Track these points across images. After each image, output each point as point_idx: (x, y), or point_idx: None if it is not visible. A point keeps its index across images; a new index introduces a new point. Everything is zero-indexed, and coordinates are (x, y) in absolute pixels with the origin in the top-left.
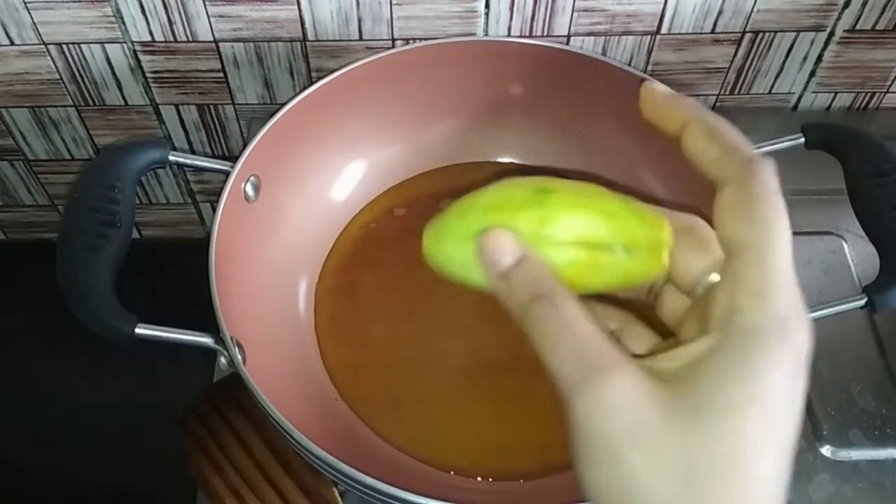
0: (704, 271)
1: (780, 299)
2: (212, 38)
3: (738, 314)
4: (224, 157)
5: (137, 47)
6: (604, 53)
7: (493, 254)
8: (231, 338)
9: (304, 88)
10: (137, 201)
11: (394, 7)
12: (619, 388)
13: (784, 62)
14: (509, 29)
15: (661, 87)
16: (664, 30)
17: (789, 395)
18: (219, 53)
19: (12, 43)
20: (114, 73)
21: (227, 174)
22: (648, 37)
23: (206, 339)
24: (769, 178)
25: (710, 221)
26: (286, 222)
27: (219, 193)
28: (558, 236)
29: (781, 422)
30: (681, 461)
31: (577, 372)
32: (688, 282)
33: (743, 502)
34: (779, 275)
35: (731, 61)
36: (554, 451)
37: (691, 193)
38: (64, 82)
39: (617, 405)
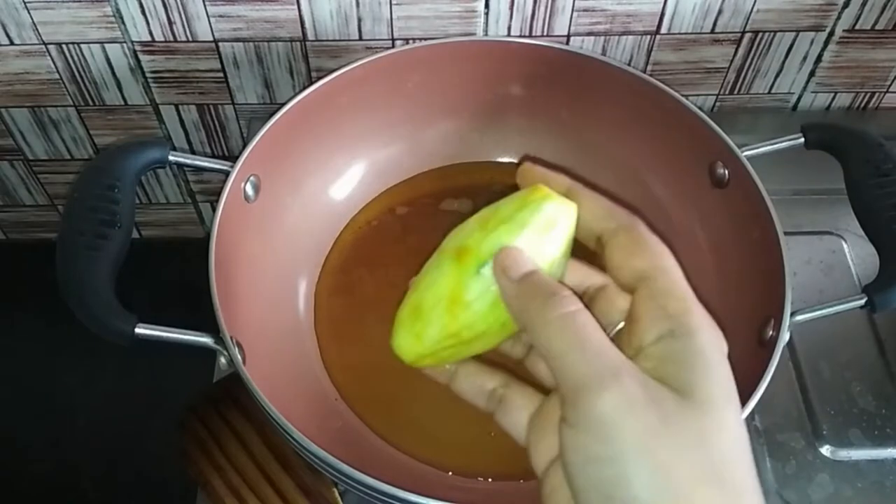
0: (638, 271)
1: (697, 303)
2: (212, 38)
3: (675, 321)
4: (224, 157)
5: (137, 47)
6: (604, 53)
7: (511, 265)
8: (231, 338)
9: (304, 88)
10: (137, 201)
11: (394, 7)
12: (628, 393)
13: (784, 62)
14: (509, 29)
15: (538, 168)
16: (664, 30)
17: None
18: (219, 53)
19: (12, 43)
20: (114, 73)
21: (227, 174)
22: (648, 37)
23: (206, 339)
24: (645, 227)
25: (710, 219)
26: (286, 222)
27: (219, 193)
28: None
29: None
30: (672, 463)
31: (586, 378)
32: (624, 280)
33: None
34: (687, 288)
35: (731, 61)
36: None
37: (689, 193)
38: (64, 82)
39: (621, 409)
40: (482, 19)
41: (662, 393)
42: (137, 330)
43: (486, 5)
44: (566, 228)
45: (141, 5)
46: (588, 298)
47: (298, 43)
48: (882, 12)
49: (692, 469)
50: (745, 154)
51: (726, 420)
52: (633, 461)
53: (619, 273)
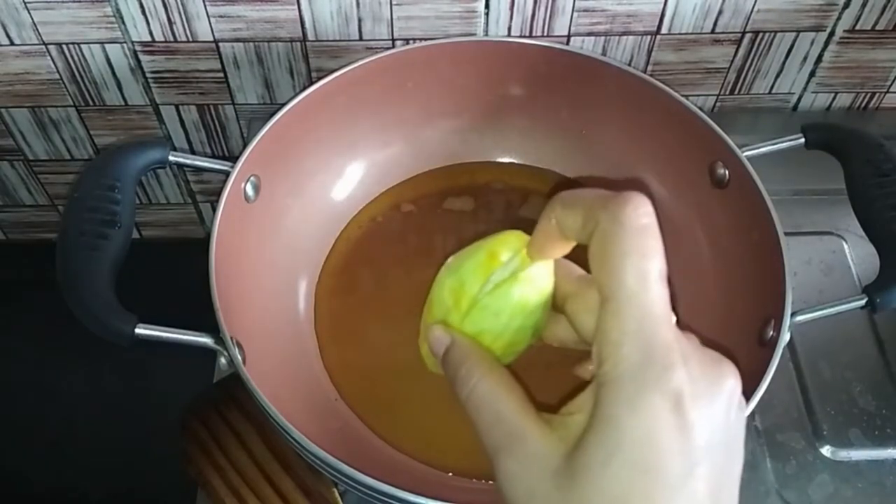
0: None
1: (636, 347)
2: (212, 38)
3: (602, 367)
4: (224, 157)
5: (137, 47)
6: (604, 53)
7: (432, 346)
8: (231, 338)
9: (304, 88)
10: (137, 201)
11: (394, 7)
12: (521, 459)
13: (784, 62)
14: (509, 29)
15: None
16: (664, 30)
17: (661, 438)
18: (219, 53)
19: (12, 43)
20: (114, 73)
21: (227, 174)
22: (648, 37)
23: (206, 339)
24: (631, 213)
25: (710, 219)
26: (286, 222)
27: (219, 193)
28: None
29: (658, 465)
30: None
31: (492, 443)
32: (588, 340)
33: None
34: (633, 321)
35: (731, 61)
36: None
37: (689, 193)
38: (64, 82)
39: (516, 473)
40: (482, 19)
41: (555, 457)
42: (137, 330)
43: (486, 5)
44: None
45: (141, 5)
46: (563, 296)
47: (298, 43)
48: (882, 13)
49: None
50: (745, 154)
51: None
52: None
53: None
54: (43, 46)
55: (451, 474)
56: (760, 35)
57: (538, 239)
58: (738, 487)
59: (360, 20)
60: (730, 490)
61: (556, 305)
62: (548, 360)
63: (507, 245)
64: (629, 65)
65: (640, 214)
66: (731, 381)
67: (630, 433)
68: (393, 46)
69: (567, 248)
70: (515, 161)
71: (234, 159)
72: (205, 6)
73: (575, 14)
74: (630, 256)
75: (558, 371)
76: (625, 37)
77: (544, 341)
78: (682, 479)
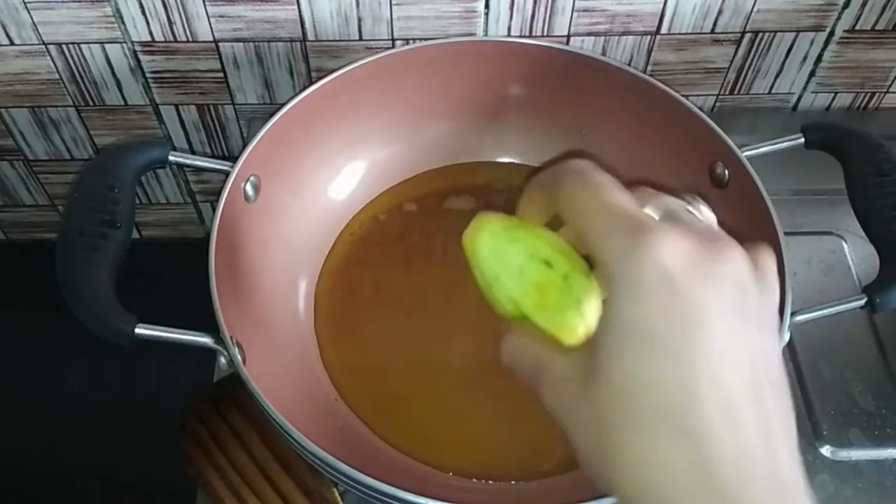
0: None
1: (609, 238)
2: (212, 38)
3: (598, 270)
4: (224, 157)
5: (137, 47)
6: (604, 53)
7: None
8: (231, 338)
9: (304, 88)
10: (137, 201)
11: (394, 7)
12: (551, 385)
13: (784, 62)
14: (509, 29)
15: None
16: (664, 30)
17: (655, 308)
18: (219, 53)
19: (12, 43)
20: (114, 73)
21: (227, 174)
22: (648, 37)
23: (206, 339)
24: (570, 165)
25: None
26: (286, 222)
27: (219, 193)
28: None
29: (656, 335)
30: None
31: (528, 381)
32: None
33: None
34: (599, 219)
35: (731, 61)
36: (552, 453)
37: (689, 192)
38: (64, 82)
39: (551, 399)
40: (482, 19)
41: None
42: (137, 330)
43: (486, 5)
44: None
45: (141, 5)
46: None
47: (298, 43)
48: (882, 12)
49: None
50: (745, 154)
51: None
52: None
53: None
54: (43, 46)
55: (451, 474)
56: (760, 35)
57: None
58: (780, 369)
59: (360, 20)
60: (765, 365)
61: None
62: None
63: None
64: (629, 65)
65: (575, 164)
66: (730, 252)
67: (628, 313)
68: (393, 46)
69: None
70: (515, 161)
71: (233, 159)
72: (205, 6)
73: (575, 14)
74: (575, 179)
75: None
76: (625, 37)
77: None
78: (683, 343)
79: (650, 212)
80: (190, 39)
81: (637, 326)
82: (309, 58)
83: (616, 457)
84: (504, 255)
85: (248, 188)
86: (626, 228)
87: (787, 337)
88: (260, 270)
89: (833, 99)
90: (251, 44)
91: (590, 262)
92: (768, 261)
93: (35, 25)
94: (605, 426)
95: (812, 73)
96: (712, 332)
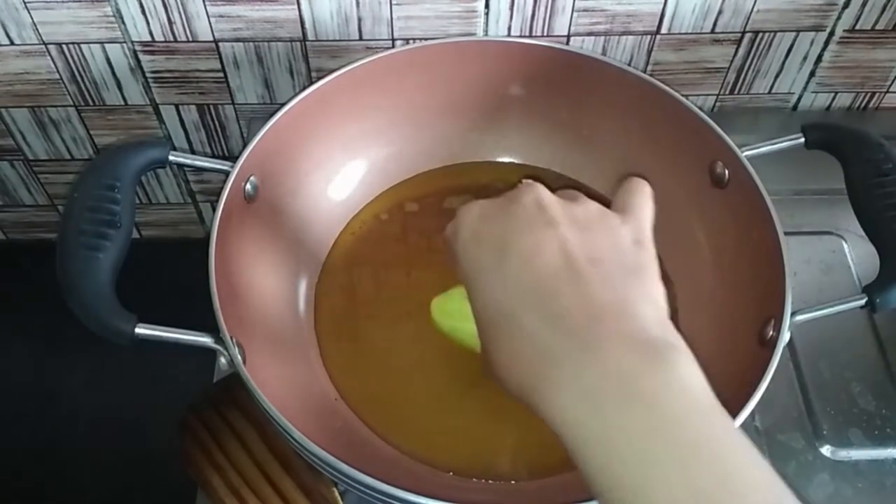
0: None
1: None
2: (212, 38)
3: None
4: (224, 157)
5: (137, 47)
6: (604, 53)
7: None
8: (231, 338)
9: (304, 88)
10: (137, 201)
11: (394, 7)
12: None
13: (784, 62)
14: (509, 29)
15: None
16: (664, 30)
17: (473, 259)
18: (219, 53)
19: (12, 43)
20: (114, 73)
21: (227, 174)
22: (648, 37)
23: (206, 339)
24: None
25: (710, 219)
26: (286, 222)
27: (219, 193)
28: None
29: (486, 273)
30: None
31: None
32: None
33: None
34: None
35: (731, 61)
36: (552, 452)
37: (689, 193)
38: (64, 82)
39: None
40: (482, 19)
41: None
42: (137, 330)
43: (486, 5)
44: None
45: (141, 5)
46: None
47: (298, 43)
48: (882, 12)
49: None
50: (745, 154)
51: None
52: None
53: None
54: (43, 46)
55: (451, 474)
56: (760, 35)
57: None
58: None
59: (360, 20)
60: (589, 248)
61: None
62: None
63: None
64: (629, 65)
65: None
66: (523, 192)
67: (464, 269)
68: (393, 46)
69: None
70: (515, 161)
71: (233, 159)
72: (205, 6)
73: (575, 14)
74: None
75: None
76: (625, 37)
77: None
78: (496, 263)
79: None
80: (190, 39)
81: (470, 272)
82: (309, 58)
83: (497, 358)
84: (454, 317)
85: (249, 188)
86: (451, 228)
87: (787, 337)
88: (260, 270)
89: (833, 99)
90: (251, 44)
91: None
92: (628, 185)
93: (35, 25)
94: (485, 346)
95: (812, 73)
96: (512, 246)
